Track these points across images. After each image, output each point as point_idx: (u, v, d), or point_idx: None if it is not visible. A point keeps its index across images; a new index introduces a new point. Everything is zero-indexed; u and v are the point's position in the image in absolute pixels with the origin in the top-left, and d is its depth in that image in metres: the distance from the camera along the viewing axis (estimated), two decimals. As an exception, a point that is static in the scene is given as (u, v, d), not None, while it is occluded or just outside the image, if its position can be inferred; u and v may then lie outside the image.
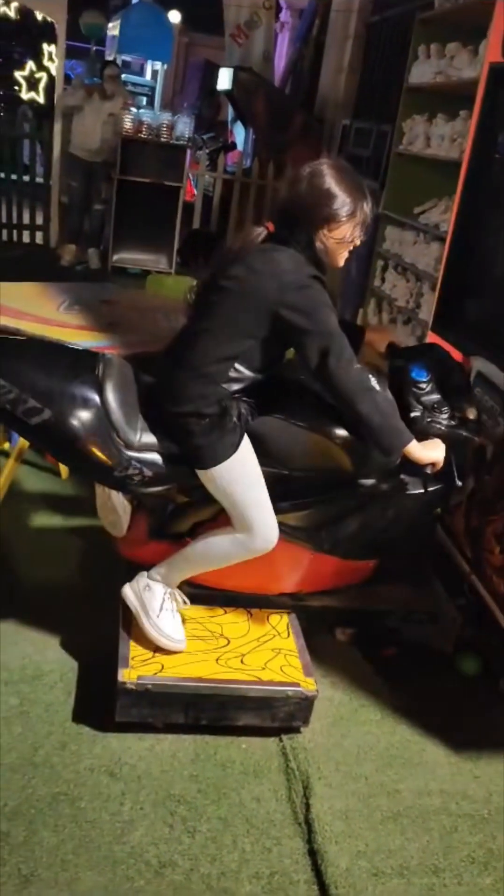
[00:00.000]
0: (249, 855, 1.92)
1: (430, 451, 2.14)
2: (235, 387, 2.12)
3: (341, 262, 2.16)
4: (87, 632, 2.56)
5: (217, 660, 2.28)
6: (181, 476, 2.17)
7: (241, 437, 2.13)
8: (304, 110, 8.35)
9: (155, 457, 2.15)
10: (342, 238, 2.08)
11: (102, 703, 2.23)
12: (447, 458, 2.19)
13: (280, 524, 2.23)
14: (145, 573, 2.33)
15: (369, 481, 2.31)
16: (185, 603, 2.34)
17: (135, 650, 2.25)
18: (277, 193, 6.59)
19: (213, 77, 12.10)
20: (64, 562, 2.93)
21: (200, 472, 2.14)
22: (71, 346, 2.43)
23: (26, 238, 7.91)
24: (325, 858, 1.93)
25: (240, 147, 9.90)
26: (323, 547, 2.41)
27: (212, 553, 2.24)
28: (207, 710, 2.21)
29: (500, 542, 2.64)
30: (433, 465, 2.15)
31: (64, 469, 3.51)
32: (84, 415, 2.08)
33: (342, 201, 2.04)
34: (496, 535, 2.66)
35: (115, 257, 7.19)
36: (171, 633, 2.26)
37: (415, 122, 4.70)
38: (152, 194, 6.98)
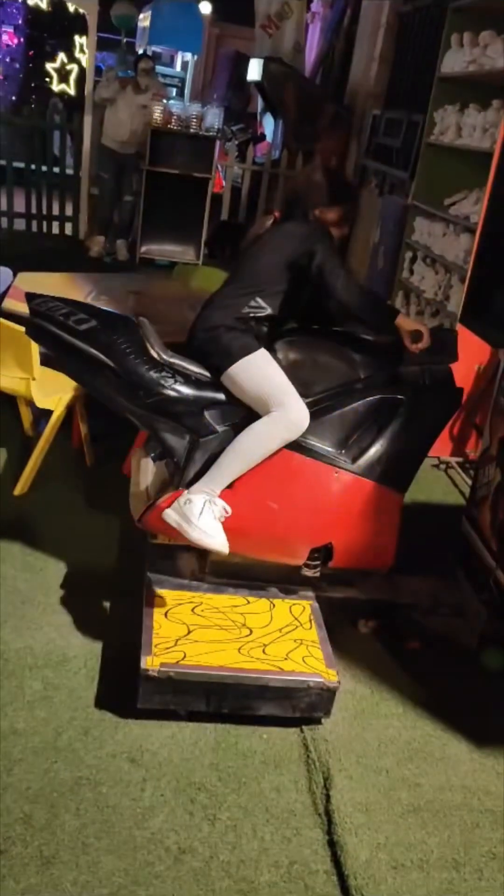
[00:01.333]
0: (269, 844, 1.93)
1: (413, 323, 2.57)
2: (254, 314, 2.50)
3: (339, 233, 2.65)
4: (111, 618, 2.59)
5: (239, 649, 2.28)
6: (206, 393, 2.44)
7: (260, 346, 2.46)
8: (334, 101, 8.29)
9: (182, 369, 2.44)
10: (332, 220, 2.60)
11: (125, 689, 2.24)
12: (442, 361, 2.56)
13: (303, 440, 2.43)
14: (186, 492, 2.38)
15: (381, 388, 2.54)
16: (226, 511, 2.38)
17: (157, 638, 2.26)
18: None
19: (244, 68, 12.02)
20: (90, 548, 2.95)
21: (229, 376, 2.41)
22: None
23: (55, 229, 7.96)
24: (344, 849, 1.92)
25: (269, 138, 9.85)
26: (347, 464, 2.47)
27: (248, 443, 2.37)
28: (229, 699, 2.21)
29: (526, 536, 2.61)
30: (418, 331, 2.50)
31: (89, 455, 3.53)
32: (123, 328, 2.44)
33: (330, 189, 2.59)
34: (523, 530, 2.63)
35: (144, 248, 7.21)
36: (215, 535, 2.33)
37: (446, 113, 4.65)
38: (181, 186, 6.98)
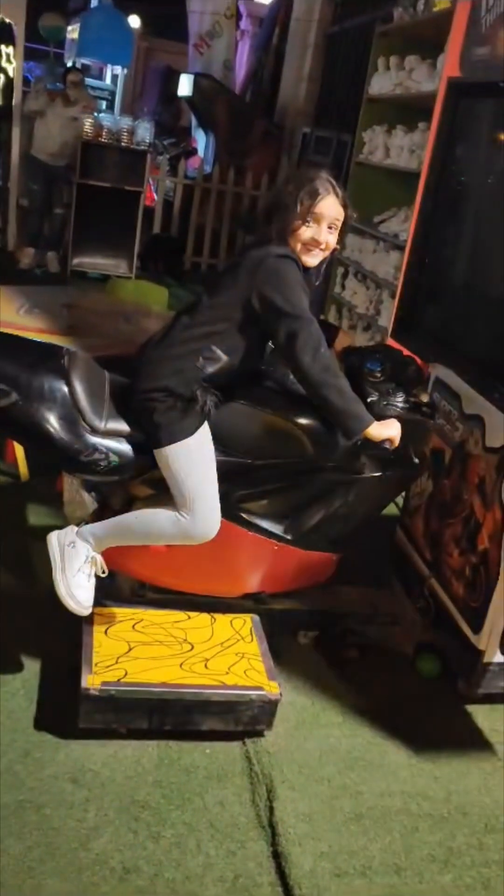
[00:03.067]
0: (214, 859, 1.93)
1: (386, 429, 2.23)
2: (210, 369, 2.18)
3: (310, 262, 2.22)
4: (49, 638, 2.55)
5: (181, 665, 2.29)
6: (146, 464, 2.21)
7: (202, 424, 2.20)
8: (265, 117, 8.42)
9: (121, 443, 2.21)
10: (304, 239, 2.17)
11: (65, 709, 2.22)
12: (403, 441, 2.28)
13: (245, 514, 2.33)
14: (75, 528, 2.30)
15: (332, 467, 2.39)
16: (103, 571, 2.29)
17: (98, 656, 2.24)
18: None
19: (174, 83, 12.09)
20: (25, 566, 2.91)
21: (157, 453, 2.19)
22: (36, 340, 2.46)
23: (-17, 241, 7.82)
24: (288, 860, 1.94)
25: (200, 153, 9.92)
26: (287, 538, 2.46)
27: (149, 527, 2.24)
28: (171, 715, 2.21)
29: (458, 544, 2.69)
30: (390, 441, 2.23)
31: (24, 471, 3.48)
32: (50, 398, 2.14)
33: (298, 203, 2.15)
34: (454, 538, 2.71)
35: (75, 261, 7.14)
36: (80, 597, 2.23)
37: (374, 133, 4.78)
38: (112, 199, 6.95)
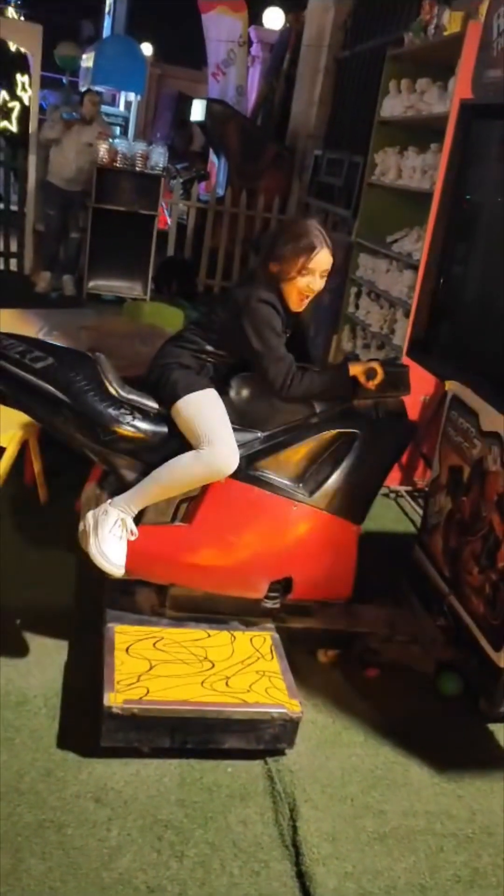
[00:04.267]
0: (238, 878, 1.92)
1: (364, 365, 2.52)
2: (209, 360, 2.52)
3: (299, 308, 2.52)
4: (71, 656, 2.56)
5: (202, 683, 2.29)
6: (161, 428, 2.44)
7: (210, 386, 2.46)
8: (276, 141, 8.52)
9: (138, 417, 2.43)
10: (300, 288, 2.45)
11: (87, 728, 2.23)
12: (392, 391, 2.57)
13: (263, 476, 2.50)
14: (108, 500, 2.43)
15: (336, 422, 2.58)
16: (132, 533, 2.40)
17: (120, 674, 2.25)
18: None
19: (186, 108, 12.29)
20: (46, 586, 2.92)
21: (175, 407, 2.41)
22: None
23: (0, 265, 7.93)
24: (313, 880, 1.93)
25: (214, 176, 10.04)
26: (304, 496, 2.53)
27: (174, 471, 2.38)
28: (193, 734, 2.21)
29: (477, 562, 2.68)
30: (373, 369, 2.48)
31: (43, 493, 3.51)
32: (81, 365, 2.44)
33: (288, 254, 2.42)
34: (474, 556, 2.71)
35: (91, 284, 7.23)
36: (111, 556, 2.36)
37: (386, 154, 4.82)
38: (127, 222, 7.04)
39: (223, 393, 2.53)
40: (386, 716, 2.56)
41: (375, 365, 2.52)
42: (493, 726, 2.61)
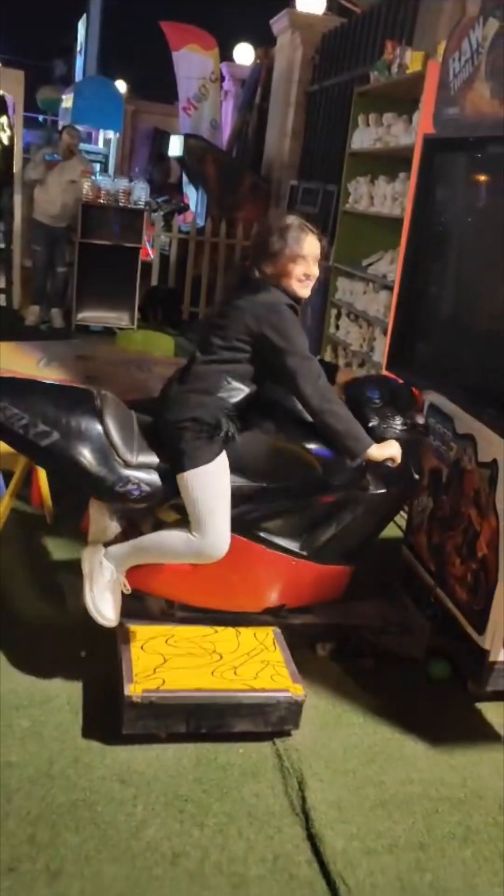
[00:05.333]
0: (254, 843, 2.12)
1: (387, 450, 2.55)
2: (232, 399, 2.48)
3: (305, 293, 2.55)
4: (88, 659, 2.76)
5: (212, 673, 2.50)
6: (172, 491, 2.46)
7: (221, 451, 2.45)
8: (252, 172, 8.86)
9: (150, 474, 2.45)
10: (298, 276, 2.50)
11: (108, 720, 2.42)
12: (403, 459, 2.57)
13: (263, 534, 2.60)
14: (102, 549, 2.54)
15: (340, 486, 2.65)
16: (126, 588, 2.54)
17: (137, 668, 2.45)
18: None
19: (162, 142, 12.67)
20: (60, 598, 3.13)
21: (179, 477, 2.43)
22: (71, 385, 2.72)
23: (-11, 301, 8.17)
24: (322, 841, 2.13)
25: (192, 208, 10.37)
26: (303, 554, 2.71)
27: (164, 546, 2.50)
28: (207, 719, 2.41)
29: (459, 554, 2.92)
30: (392, 460, 2.55)
31: (50, 513, 3.71)
32: (86, 437, 2.40)
33: (281, 249, 2.46)
34: (456, 549, 2.95)
35: (80, 316, 7.47)
36: (105, 612, 2.48)
37: (358, 183, 5.13)
38: (112, 255, 7.31)
39: (242, 428, 2.52)
40: (382, 699, 2.77)
41: (396, 454, 2.55)
42: (480, 705, 2.83)
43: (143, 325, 7.57)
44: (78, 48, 18.61)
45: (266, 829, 2.17)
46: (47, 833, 2.06)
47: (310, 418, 2.53)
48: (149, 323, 7.77)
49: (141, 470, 2.45)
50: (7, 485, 3.49)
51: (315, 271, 2.55)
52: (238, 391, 2.49)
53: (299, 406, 2.57)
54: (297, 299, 2.54)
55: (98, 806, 2.17)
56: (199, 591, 2.71)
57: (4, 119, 13.39)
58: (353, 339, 5.09)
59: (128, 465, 2.44)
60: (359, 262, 5.11)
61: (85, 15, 18.55)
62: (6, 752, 2.31)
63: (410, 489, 2.89)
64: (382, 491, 2.71)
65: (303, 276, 2.51)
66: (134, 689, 2.35)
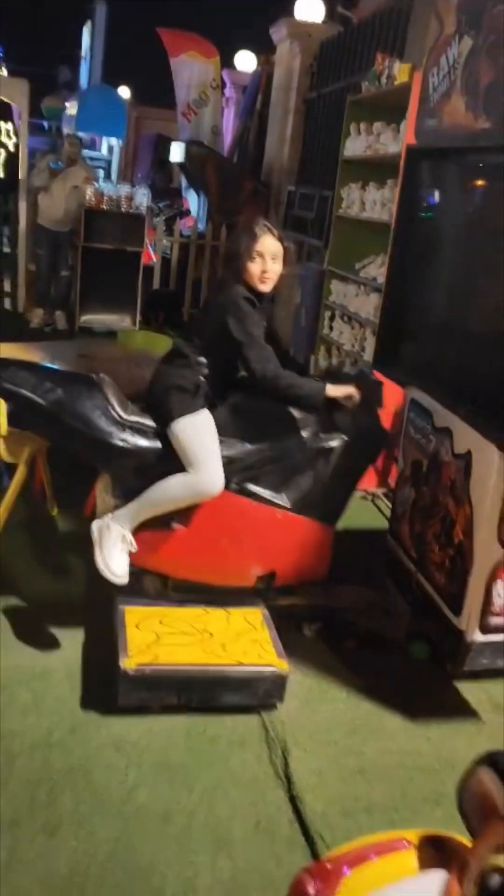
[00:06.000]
0: (239, 805, 2.28)
1: (343, 389, 2.87)
2: (203, 372, 2.82)
3: (265, 289, 2.82)
4: (87, 637, 2.93)
5: (203, 649, 2.66)
6: (159, 445, 2.77)
7: (204, 408, 2.77)
8: (252, 177, 9.03)
9: (143, 433, 2.77)
10: (256, 273, 2.78)
11: (104, 694, 2.59)
12: (367, 405, 2.94)
13: (251, 487, 2.85)
14: (111, 514, 2.77)
15: (315, 437, 2.93)
16: (132, 546, 2.75)
17: (132, 644, 2.61)
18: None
19: (164, 148, 12.87)
20: (61, 581, 3.30)
21: (171, 428, 2.72)
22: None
23: (-6, 304, 8.36)
24: (303, 803, 2.29)
25: (194, 213, 10.55)
26: (287, 505, 2.90)
27: (166, 491, 2.72)
28: (197, 692, 2.58)
29: (438, 541, 3.08)
30: (350, 395, 2.86)
31: (51, 503, 3.88)
32: (87, 395, 2.73)
33: (240, 249, 2.79)
34: (435, 536, 3.10)
35: (83, 318, 7.64)
36: (115, 568, 2.70)
37: (351, 190, 5.29)
38: (115, 259, 7.49)
39: (219, 403, 2.86)
40: (364, 678, 2.93)
41: (353, 391, 2.88)
42: (458, 684, 2.98)
43: (144, 327, 7.75)
44: (82, 54, 18.87)
45: (250, 794, 2.33)
46: (46, 795, 2.22)
47: None
48: (150, 325, 7.94)
49: (134, 428, 2.77)
50: (11, 478, 3.66)
51: (273, 268, 2.80)
52: (206, 368, 2.82)
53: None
54: (258, 294, 2.82)
55: (94, 772, 2.33)
56: (193, 564, 2.88)
57: (9, 126, 13.63)
58: (346, 340, 5.25)
59: (123, 421, 2.75)
60: (352, 266, 5.27)
61: (89, 22, 18.81)
62: (8, 722, 2.47)
63: (380, 440, 3.12)
64: (354, 436, 2.97)
65: (261, 272, 2.78)
66: (129, 663, 2.51)
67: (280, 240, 2.80)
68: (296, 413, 2.93)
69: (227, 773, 2.40)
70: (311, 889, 1.41)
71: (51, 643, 2.88)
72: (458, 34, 3.08)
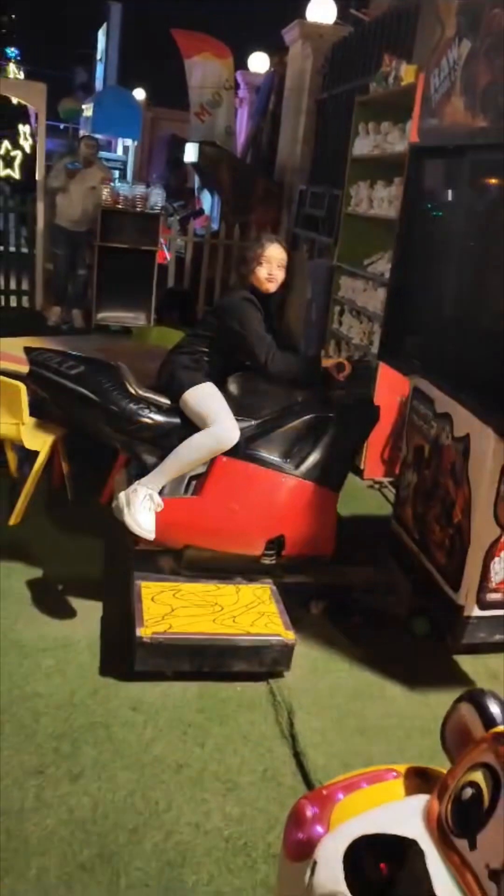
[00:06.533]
0: (247, 758, 2.46)
1: (334, 359, 3.24)
2: (206, 364, 3.18)
3: (270, 288, 3.20)
4: (106, 611, 3.12)
5: (214, 620, 2.84)
6: (173, 419, 3.06)
7: (209, 381, 3.10)
8: (265, 177, 9.20)
9: (156, 408, 3.07)
10: (262, 277, 3.17)
11: (123, 662, 2.77)
12: (359, 383, 3.27)
13: (259, 453, 3.08)
14: (137, 483, 2.99)
15: (314, 408, 3.18)
16: (159, 505, 2.96)
17: (148, 614, 2.80)
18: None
19: (179, 149, 13.08)
20: (81, 561, 3.49)
21: (183, 399, 3.04)
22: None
23: (13, 302, 8.58)
24: (306, 757, 2.47)
25: (207, 212, 10.74)
26: (292, 470, 3.10)
27: (190, 449, 2.98)
28: (208, 659, 2.75)
29: (438, 522, 3.24)
30: (341, 363, 3.19)
31: (71, 490, 4.07)
32: (107, 372, 3.06)
33: (250, 256, 3.20)
34: (436, 517, 3.26)
35: (99, 316, 7.84)
36: (144, 524, 2.92)
37: (359, 188, 5.45)
38: (130, 258, 7.68)
39: (221, 390, 3.13)
40: (367, 651, 3.10)
41: (344, 360, 3.13)
42: (456, 657, 3.14)
43: (159, 325, 7.93)
44: (98, 56, 19.13)
45: (258, 749, 2.51)
46: (69, 746, 2.41)
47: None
48: (165, 323, 8.12)
49: (149, 401, 3.07)
50: (33, 465, 3.85)
51: (278, 273, 3.18)
52: (210, 359, 3.17)
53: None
54: (264, 294, 3.19)
55: (113, 727, 2.52)
56: (206, 531, 3.07)
57: (27, 129, 13.87)
58: (355, 334, 5.40)
59: (139, 397, 3.05)
60: (360, 262, 5.42)
61: (105, 24, 19.06)
62: (34, 685, 2.67)
63: (372, 412, 3.33)
64: (350, 409, 3.22)
65: (267, 275, 3.17)
66: (145, 632, 2.69)
67: (286, 249, 3.20)
68: (293, 388, 3.22)
69: (236, 730, 2.57)
70: (308, 812, 1.59)
71: (72, 616, 3.07)
72: (458, 37, 3.24)
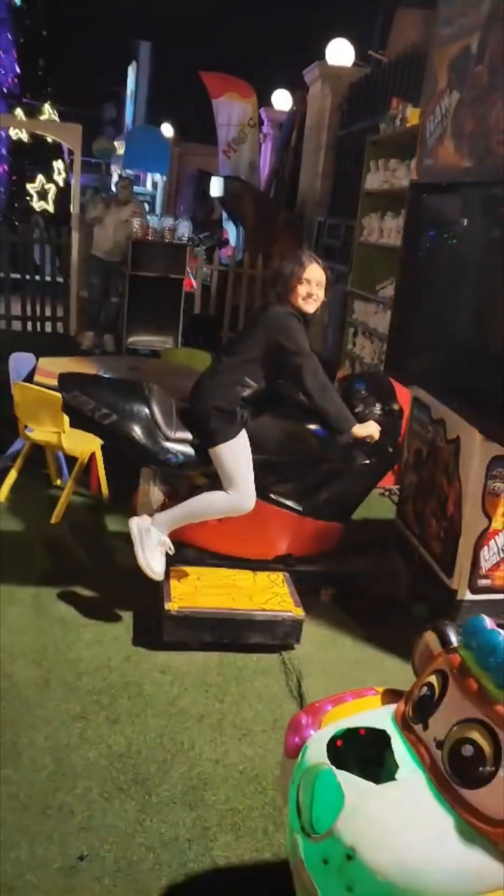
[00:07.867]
0: (261, 711, 2.83)
1: (367, 429, 3.25)
2: (245, 393, 3.16)
3: (309, 310, 3.19)
4: (138, 594, 3.50)
5: (233, 598, 3.22)
6: (202, 460, 3.18)
7: (241, 430, 3.15)
8: (287, 209, 9.70)
9: (185, 447, 3.18)
10: (302, 295, 3.16)
11: (152, 632, 3.16)
12: (381, 437, 3.30)
13: (274, 496, 3.32)
14: (149, 517, 3.18)
15: (332, 458, 3.39)
16: (170, 549, 3.19)
17: (174, 592, 3.19)
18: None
19: (206, 183, 13.70)
20: (116, 553, 3.90)
21: (212, 451, 3.10)
22: (125, 379, 3.53)
23: (49, 328, 9.12)
24: (312, 712, 2.83)
25: (232, 242, 11.28)
26: (305, 511, 3.42)
27: (205, 506, 3.14)
28: (227, 630, 3.13)
29: (434, 516, 3.61)
30: (371, 437, 3.24)
31: (106, 495, 4.49)
32: (138, 417, 3.14)
33: (288, 274, 3.17)
34: (432, 513, 3.64)
35: (129, 340, 8.33)
36: (155, 568, 3.12)
37: (371, 219, 5.90)
38: (159, 286, 8.17)
39: (254, 415, 3.20)
40: (371, 631, 3.45)
41: (375, 432, 3.25)
42: (451, 637, 3.48)
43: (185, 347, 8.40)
44: (128, 93, 19.95)
45: (270, 705, 2.88)
46: (107, 699, 2.81)
47: (309, 406, 3.25)
48: (191, 347, 8.59)
49: (178, 443, 3.19)
50: (71, 471, 4.29)
51: (318, 293, 3.18)
52: (249, 386, 3.15)
53: (301, 397, 3.29)
54: (303, 313, 3.18)
55: (144, 685, 2.91)
56: (225, 542, 3.44)
57: (59, 164, 14.58)
58: (367, 354, 5.82)
59: (168, 439, 3.18)
60: (372, 287, 5.85)
61: (134, 62, 19.92)
62: (77, 652, 3.07)
63: (388, 461, 3.62)
64: (366, 462, 3.46)
65: (306, 294, 3.16)
66: (172, 606, 3.09)
67: (324, 269, 3.21)
68: (319, 435, 3.33)
69: (251, 690, 2.95)
70: (303, 720, 1.97)
71: (108, 597, 3.48)
72: (450, 88, 3.68)
